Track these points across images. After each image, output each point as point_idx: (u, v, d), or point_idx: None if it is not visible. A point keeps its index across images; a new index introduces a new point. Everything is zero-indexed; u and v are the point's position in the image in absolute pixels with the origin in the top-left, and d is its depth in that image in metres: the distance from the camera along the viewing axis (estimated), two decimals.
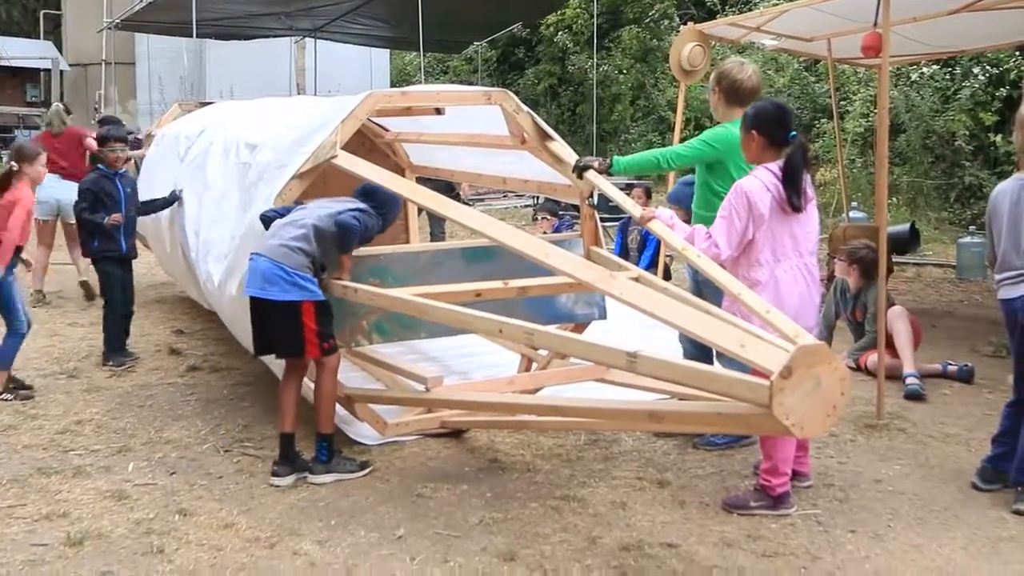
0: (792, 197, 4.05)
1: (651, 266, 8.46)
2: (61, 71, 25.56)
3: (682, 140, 12.17)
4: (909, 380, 5.94)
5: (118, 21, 17.44)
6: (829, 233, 9.72)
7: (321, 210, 4.76)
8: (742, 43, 9.91)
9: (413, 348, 6.75)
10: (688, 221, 4.60)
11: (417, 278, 5.05)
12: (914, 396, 5.83)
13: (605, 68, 19.93)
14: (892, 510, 4.26)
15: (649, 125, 19.15)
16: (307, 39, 20.08)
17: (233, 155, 6.11)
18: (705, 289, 4.57)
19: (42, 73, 27.25)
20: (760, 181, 4.10)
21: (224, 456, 5.06)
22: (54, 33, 29.42)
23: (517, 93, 22.96)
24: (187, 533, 4.06)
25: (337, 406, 5.16)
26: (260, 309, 4.63)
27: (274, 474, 4.65)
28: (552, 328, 3.60)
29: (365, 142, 7.81)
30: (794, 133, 4.15)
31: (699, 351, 4.70)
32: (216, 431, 5.43)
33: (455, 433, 5.22)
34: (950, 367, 6.27)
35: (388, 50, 23.25)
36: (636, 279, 4.63)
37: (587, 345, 3.44)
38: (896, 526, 4.10)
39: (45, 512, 4.33)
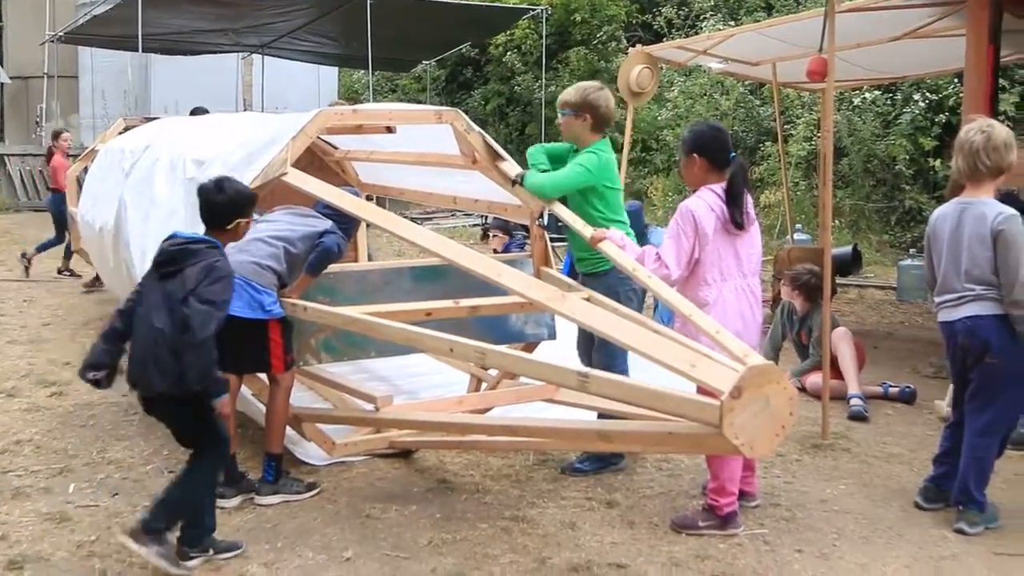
0: (736, 215, 4.14)
1: None
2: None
3: (629, 161, 12.23)
4: (853, 401, 6.03)
5: (61, 34, 17.20)
6: (774, 255, 9.86)
7: (293, 227, 4.75)
8: (689, 66, 10.07)
9: (361, 368, 6.69)
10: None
11: (367, 297, 5.03)
12: (858, 417, 5.92)
13: (553, 89, 20.03)
14: (838, 529, 4.31)
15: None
16: (254, 55, 19.93)
17: (180, 171, 6.03)
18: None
19: None
20: (704, 202, 4.17)
21: (168, 477, 4.95)
22: None
23: (466, 112, 23.01)
24: (130, 556, 3.97)
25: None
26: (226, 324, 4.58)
27: (219, 496, 4.58)
28: (503, 348, 3.60)
29: (314, 160, 7.75)
30: (734, 154, 4.23)
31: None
32: (160, 451, 5.34)
33: (404, 453, 5.19)
34: (891, 388, 6.38)
35: (336, 67, 23.16)
36: (587, 299, 4.68)
37: (539, 365, 3.44)
38: (842, 545, 4.15)
39: None
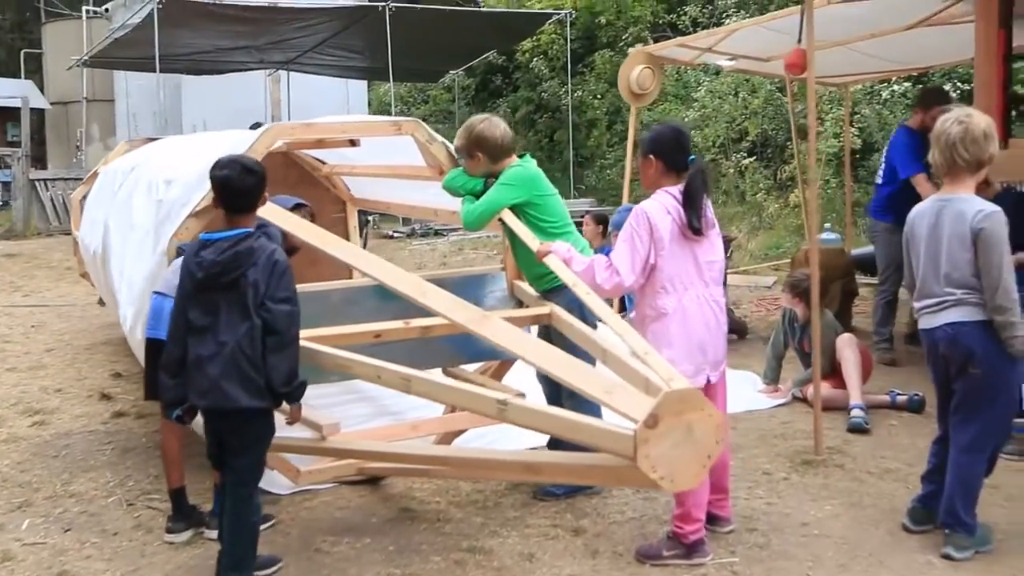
0: (692, 219, 3.86)
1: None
2: (32, 109, 25.44)
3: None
4: (854, 412, 5.68)
5: (86, 58, 17.32)
6: (792, 256, 9.50)
7: None
8: (697, 64, 9.75)
9: (351, 388, 6.50)
10: None
11: (328, 318, 4.80)
12: (857, 429, 5.57)
13: (580, 94, 19.77)
14: (815, 556, 4.00)
15: (625, 150, 18.91)
16: (281, 71, 19.93)
17: (153, 192, 5.90)
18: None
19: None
20: (660, 204, 3.91)
21: (126, 510, 4.80)
22: (38, 72, 29.38)
23: None
24: None
25: None
26: (156, 351, 4.40)
27: (168, 531, 4.41)
28: (427, 374, 3.37)
29: (304, 176, 7.61)
30: (693, 157, 3.96)
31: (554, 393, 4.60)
32: (125, 483, 5.18)
33: (372, 480, 4.97)
34: (899, 397, 6.01)
35: (364, 80, 23.11)
36: (547, 315, 4.43)
37: (459, 392, 3.21)
38: (816, 574, 3.85)
39: None
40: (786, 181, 15.75)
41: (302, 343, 3.83)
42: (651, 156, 4.00)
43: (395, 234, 17.29)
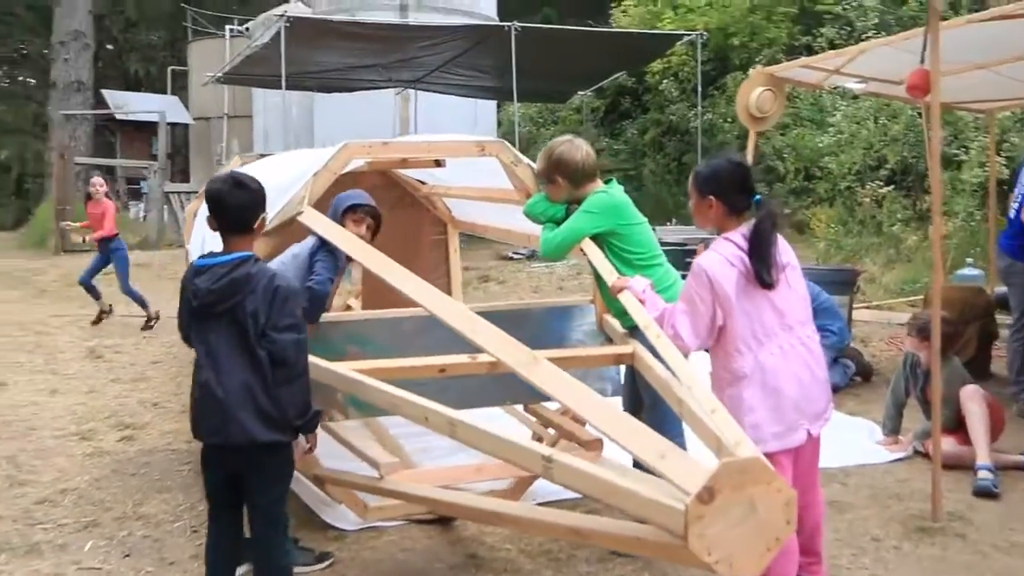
0: (762, 273, 3.37)
1: None
2: (177, 124, 26.42)
3: (792, 191, 11.26)
4: (981, 473, 5.08)
5: (220, 75, 17.76)
6: (924, 293, 8.82)
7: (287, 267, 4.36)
8: (825, 87, 9.17)
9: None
10: None
11: (399, 347, 4.55)
12: (984, 493, 4.97)
13: (710, 116, 19.20)
14: None
15: (756, 174, 18.25)
16: (409, 90, 20.04)
17: None
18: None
19: (168, 128, 28.27)
20: (720, 256, 3.44)
21: (189, 537, 4.65)
22: (184, 89, 30.53)
23: (624, 143, 22.29)
24: None
25: (314, 487, 4.74)
26: None
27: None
28: (474, 420, 3.03)
29: (405, 196, 7.43)
30: (758, 197, 3.50)
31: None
32: (196, 507, 5.03)
33: (444, 520, 4.69)
34: None
35: (494, 101, 23.05)
36: (630, 355, 4.06)
37: (505, 443, 2.87)
38: None
39: None
40: (926, 212, 14.84)
41: (355, 375, 3.58)
42: (711, 197, 3.54)
43: (515, 255, 17.08)
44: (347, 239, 3.99)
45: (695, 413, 2.91)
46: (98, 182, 11.18)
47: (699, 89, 18.77)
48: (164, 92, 31.25)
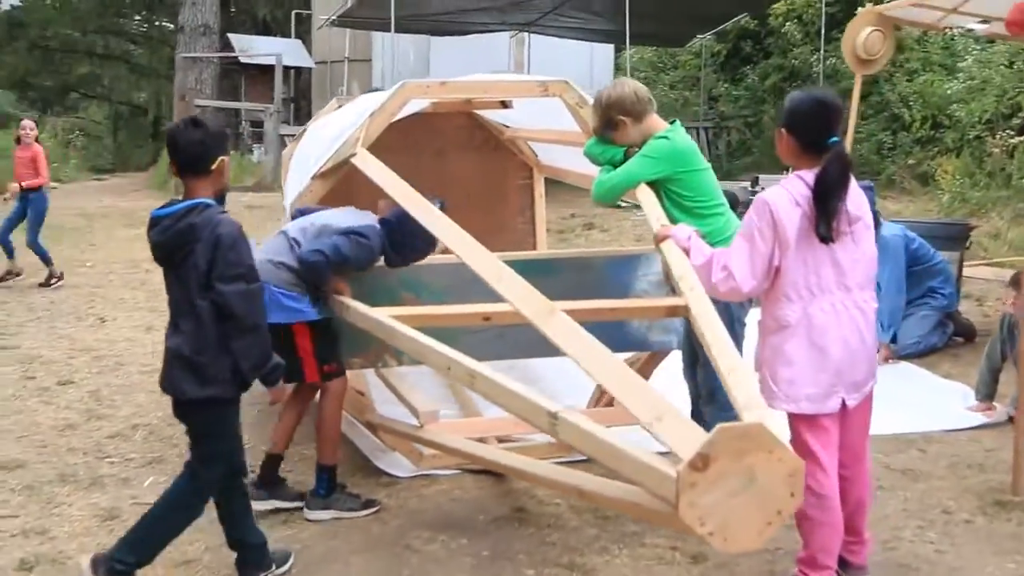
0: (820, 225, 3.12)
1: None
2: (300, 68, 26.83)
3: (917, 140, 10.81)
4: None
5: (334, 18, 17.85)
6: None
7: (326, 224, 4.25)
8: (941, 28, 8.57)
9: (518, 366, 6.06)
10: None
11: (456, 294, 4.45)
12: None
13: (833, 61, 18.30)
14: None
15: (879, 123, 17.40)
16: (523, 33, 19.77)
17: (312, 152, 5.78)
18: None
19: (292, 71, 28.76)
20: (788, 193, 3.20)
21: (250, 476, 4.68)
22: (309, 33, 30.91)
23: (745, 89, 21.44)
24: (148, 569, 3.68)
25: (369, 433, 4.72)
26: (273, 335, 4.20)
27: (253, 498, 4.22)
28: (494, 371, 2.87)
29: (490, 139, 7.29)
30: (835, 138, 3.22)
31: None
32: (258, 446, 5.07)
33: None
34: None
35: (611, 44, 22.56)
36: (684, 307, 3.85)
37: (513, 396, 2.73)
38: None
39: (29, 527, 4.14)
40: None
41: (387, 321, 3.49)
42: (783, 130, 3.31)
43: (622, 204, 16.79)
44: (393, 183, 3.87)
45: (721, 372, 2.72)
46: (28, 125, 10.63)
47: (822, 32, 17.93)
48: (290, 36, 31.72)
